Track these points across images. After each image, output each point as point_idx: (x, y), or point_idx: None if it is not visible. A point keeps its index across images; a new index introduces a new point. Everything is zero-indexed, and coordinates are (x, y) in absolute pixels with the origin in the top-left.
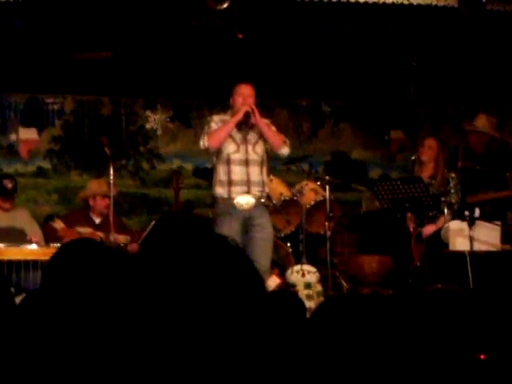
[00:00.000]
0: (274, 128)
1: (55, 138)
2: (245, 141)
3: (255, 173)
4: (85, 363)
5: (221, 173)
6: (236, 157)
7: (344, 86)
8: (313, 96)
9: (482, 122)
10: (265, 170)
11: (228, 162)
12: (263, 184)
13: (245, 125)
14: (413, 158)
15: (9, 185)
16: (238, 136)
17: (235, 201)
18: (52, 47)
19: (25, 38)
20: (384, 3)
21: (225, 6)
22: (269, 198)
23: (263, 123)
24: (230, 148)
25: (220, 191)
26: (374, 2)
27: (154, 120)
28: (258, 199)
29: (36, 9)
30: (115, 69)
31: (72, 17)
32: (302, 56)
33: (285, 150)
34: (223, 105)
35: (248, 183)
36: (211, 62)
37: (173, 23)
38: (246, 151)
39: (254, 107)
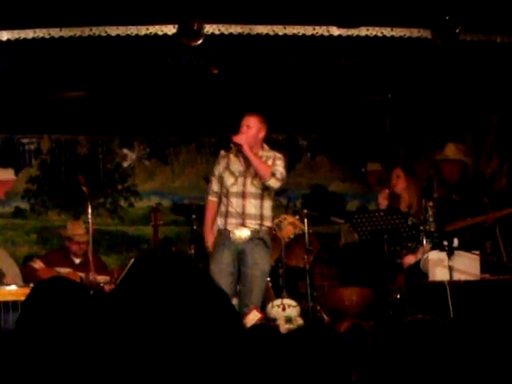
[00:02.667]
0: (270, 161)
1: (32, 178)
2: (244, 173)
3: (252, 205)
4: None
5: (221, 205)
6: (234, 189)
7: (320, 119)
8: (289, 130)
9: (451, 150)
10: (266, 203)
11: (227, 194)
12: (262, 217)
13: (238, 155)
14: (378, 200)
15: None
16: (237, 169)
17: (230, 233)
18: (27, 87)
19: (0, 78)
20: (358, 36)
21: (199, 42)
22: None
23: (251, 155)
24: (228, 182)
25: (219, 222)
26: (348, 35)
27: (131, 158)
28: (253, 232)
29: (9, 50)
30: (91, 108)
31: (46, 57)
32: (276, 90)
33: (272, 182)
34: (198, 141)
35: (243, 216)
36: (187, 98)
37: (147, 61)
38: (244, 184)
39: (241, 140)
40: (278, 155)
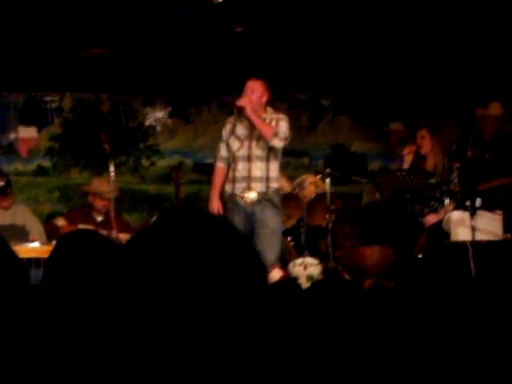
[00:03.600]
0: (274, 122)
1: (55, 136)
2: (249, 136)
3: (257, 168)
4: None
5: (230, 170)
6: (240, 153)
7: (343, 78)
8: (311, 90)
9: (494, 107)
10: (272, 164)
11: (234, 159)
12: (268, 179)
13: (241, 118)
14: (403, 153)
15: (1, 182)
16: (242, 133)
17: (238, 197)
18: (50, 45)
19: (23, 36)
20: None
21: None
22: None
23: (253, 117)
24: (234, 146)
25: (227, 187)
26: None
27: (153, 116)
28: (260, 194)
29: (34, 7)
30: (113, 66)
31: (69, 15)
32: (300, 49)
33: (275, 142)
34: (220, 100)
35: (249, 179)
36: (209, 57)
37: (170, 18)
38: (250, 147)
39: (244, 102)
40: (282, 116)
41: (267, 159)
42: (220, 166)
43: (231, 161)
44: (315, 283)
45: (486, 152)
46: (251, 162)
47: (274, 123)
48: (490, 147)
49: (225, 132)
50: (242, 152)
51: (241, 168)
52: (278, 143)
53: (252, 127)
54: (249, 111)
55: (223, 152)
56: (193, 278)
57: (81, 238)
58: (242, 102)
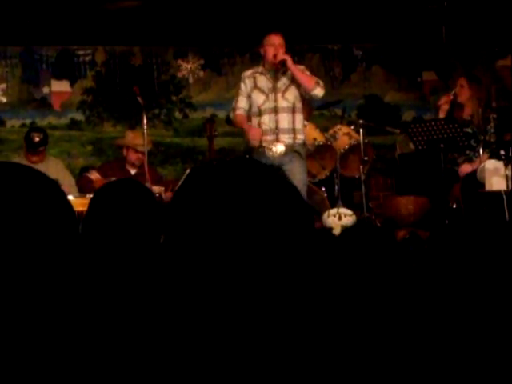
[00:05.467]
0: (307, 72)
1: (87, 90)
2: (274, 89)
3: (285, 120)
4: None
5: (253, 122)
6: (265, 106)
7: (375, 28)
8: (344, 40)
9: None
10: (298, 116)
11: (259, 113)
12: (295, 131)
13: (281, 73)
14: (440, 103)
15: (36, 138)
16: (266, 86)
17: (265, 149)
18: None
19: None
20: None
21: None
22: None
23: (295, 68)
24: (259, 100)
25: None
26: None
27: (186, 69)
28: (288, 146)
29: None
30: (145, 18)
31: None
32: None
33: (317, 91)
34: (253, 51)
35: (277, 131)
36: (241, 8)
37: None
38: (275, 99)
39: (286, 56)
40: (303, 67)
41: (293, 111)
42: (240, 113)
43: (254, 115)
44: (346, 229)
45: (509, 102)
46: (278, 114)
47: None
48: None
49: (245, 86)
50: (268, 105)
51: (267, 120)
52: (319, 92)
53: (275, 80)
54: (290, 64)
55: (242, 103)
56: (248, 225)
57: (121, 187)
58: (284, 55)
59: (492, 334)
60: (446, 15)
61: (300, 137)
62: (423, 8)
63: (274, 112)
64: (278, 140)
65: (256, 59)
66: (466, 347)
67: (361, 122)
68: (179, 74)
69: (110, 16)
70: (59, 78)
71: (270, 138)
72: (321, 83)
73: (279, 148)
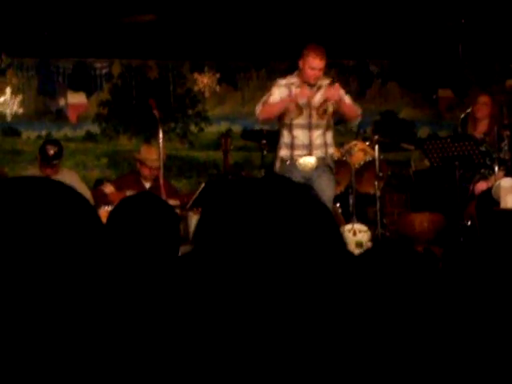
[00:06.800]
0: (348, 99)
1: (103, 103)
2: (309, 105)
3: (318, 136)
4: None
5: (285, 136)
6: (299, 121)
7: (391, 44)
8: (360, 56)
9: None
10: (330, 132)
11: (291, 126)
12: (326, 145)
13: (316, 89)
14: (462, 116)
15: (51, 151)
16: (301, 101)
17: (297, 162)
18: (99, 12)
19: (71, 2)
20: None
21: None
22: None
23: (344, 103)
24: (293, 113)
25: (283, 153)
26: None
27: (202, 82)
28: (319, 160)
29: None
30: (161, 32)
31: None
32: (349, 15)
33: (357, 121)
34: (269, 66)
35: (310, 147)
36: (258, 22)
37: None
38: (310, 115)
39: (340, 93)
40: (339, 87)
41: (326, 128)
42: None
43: (286, 128)
44: (368, 250)
45: None
46: (311, 131)
47: (347, 100)
48: None
49: (279, 92)
50: (302, 120)
51: (301, 135)
52: (358, 121)
53: (311, 96)
54: (341, 102)
55: (275, 99)
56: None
57: (139, 200)
58: (338, 94)
59: (504, 350)
60: (463, 32)
61: (330, 151)
62: (440, 25)
63: (308, 128)
64: (311, 155)
65: (272, 74)
66: (475, 365)
67: (376, 137)
68: (195, 88)
69: (126, 29)
70: (75, 90)
71: (302, 152)
72: (360, 112)
73: (311, 161)
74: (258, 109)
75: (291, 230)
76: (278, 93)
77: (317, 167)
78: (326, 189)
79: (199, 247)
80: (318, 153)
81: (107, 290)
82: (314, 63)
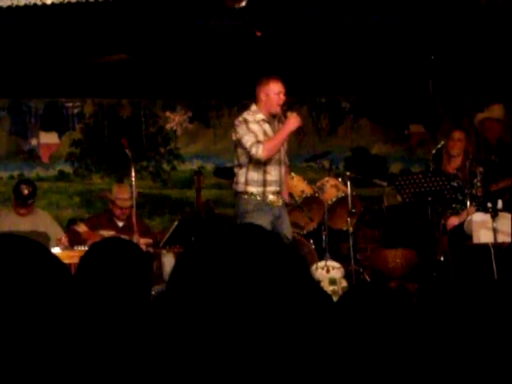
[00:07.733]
0: None
1: (76, 142)
2: None
3: (282, 172)
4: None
5: (255, 172)
6: (274, 157)
7: (362, 81)
8: (331, 92)
9: (496, 110)
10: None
11: (264, 162)
12: (281, 183)
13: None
14: (434, 151)
15: (25, 191)
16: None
17: (268, 199)
18: (70, 51)
19: (43, 43)
20: None
21: (243, 4)
22: (291, 195)
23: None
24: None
25: (254, 189)
26: None
27: (174, 121)
28: (282, 197)
29: (53, 14)
30: (133, 71)
31: (89, 20)
32: (319, 52)
33: None
34: (241, 104)
35: (280, 183)
36: (229, 61)
37: (189, 24)
38: (280, 151)
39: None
40: None
41: (284, 163)
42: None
43: (257, 164)
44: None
45: (490, 154)
46: (280, 166)
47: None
48: (493, 150)
49: (258, 127)
50: (277, 156)
51: (273, 171)
52: None
53: (277, 129)
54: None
55: (262, 137)
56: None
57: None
58: (299, 122)
59: None
60: (434, 68)
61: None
62: (410, 61)
63: (279, 164)
64: (279, 192)
65: (244, 111)
66: None
67: (348, 174)
68: (167, 126)
69: (98, 69)
70: (47, 130)
71: (274, 188)
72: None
73: (280, 199)
74: (259, 149)
75: (265, 275)
76: (259, 128)
77: (283, 205)
78: (288, 225)
79: (172, 290)
80: (281, 189)
81: (75, 338)
82: (276, 88)
